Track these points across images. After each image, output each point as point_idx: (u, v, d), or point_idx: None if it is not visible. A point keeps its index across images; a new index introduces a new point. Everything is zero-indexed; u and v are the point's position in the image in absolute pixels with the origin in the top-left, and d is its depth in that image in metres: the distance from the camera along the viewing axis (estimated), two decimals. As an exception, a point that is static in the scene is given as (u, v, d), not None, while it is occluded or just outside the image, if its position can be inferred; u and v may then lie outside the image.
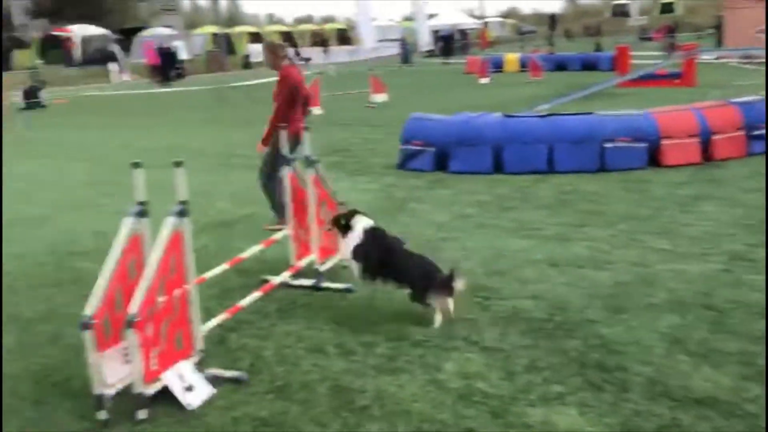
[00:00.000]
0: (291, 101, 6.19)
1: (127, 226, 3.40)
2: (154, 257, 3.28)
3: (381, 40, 48.50)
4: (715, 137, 8.37)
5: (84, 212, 7.39)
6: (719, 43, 27.18)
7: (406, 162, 8.90)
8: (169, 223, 3.38)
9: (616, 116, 8.55)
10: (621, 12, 68.19)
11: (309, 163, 4.73)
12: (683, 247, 5.27)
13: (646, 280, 4.62)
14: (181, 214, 3.46)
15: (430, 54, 42.18)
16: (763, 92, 9.30)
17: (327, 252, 5.03)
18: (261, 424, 3.15)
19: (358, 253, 4.38)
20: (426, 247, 4.90)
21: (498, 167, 8.37)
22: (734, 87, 10.18)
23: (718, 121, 8.47)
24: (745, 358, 3.46)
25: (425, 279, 4.15)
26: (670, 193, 6.96)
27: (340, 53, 45.27)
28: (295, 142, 5.85)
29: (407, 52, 35.95)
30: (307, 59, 39.41)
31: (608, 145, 8.17)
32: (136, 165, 3.47)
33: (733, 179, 7.40)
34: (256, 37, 45.99)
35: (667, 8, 65.75)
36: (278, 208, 6.12)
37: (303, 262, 4.84)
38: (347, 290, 4.71)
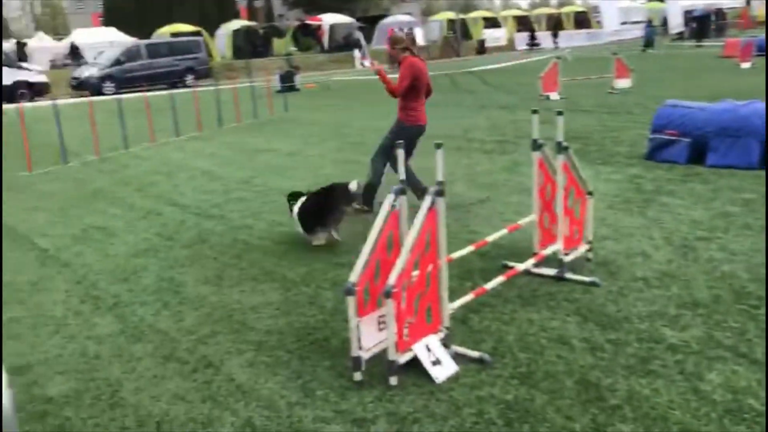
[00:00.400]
0: (412, 91, 6.33)
1: (389, 202, 3.57)
2: (412, 233, 3.42)
3: (623, 23, 45.72)
4: None
5: (334, 187, 7.98)
6: None
7: (655, 152, 8.28)
8: (427, 201, 3.50)
9: None
10: None
11: (560, 148, 4.59)
12: None
13: None
14: (439, 193, 3.55)
15: (680, 37, 38.74)
16: None
17: (572, 242, 4.87)
18: (506, 408, 3.16)
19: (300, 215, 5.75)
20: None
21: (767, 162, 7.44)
22: None
23: None
24: None
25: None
26: None
27: (577, 37, 43.63)
28: (418, 132, 6.40)
29: (651, 34, 33.36)
30: (536, 44, 38.58)
31: None
32: (438, 145, 3.60)
33: None
34: (491, 22, 46.01)
35: None
36: (365, 194, 6.42)
37: (546, 251, 4.74)
38: (592, 284, 4.52)
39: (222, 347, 3.97)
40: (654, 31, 33.82)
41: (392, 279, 3.32)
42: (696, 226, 5.63)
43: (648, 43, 32.64)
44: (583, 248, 4.98)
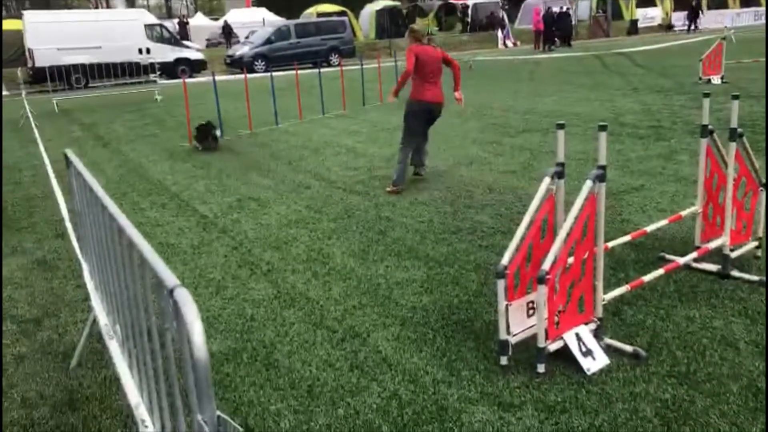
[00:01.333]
0: (417, 72, 7.08)
1: (545, 184, 3.47)
2: (570, 218, 3.31)
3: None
4: None
5: (476, 168, 7.91)
6: None
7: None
8: (587, 187, 3.36)
9: None
10: None
11: (734, 135, 4.24)
12: None
13: None
14: (600, 178, 3.40)
15: None
16: None
17: (739, 237, 4.51)
18: (663, 407, 2.99)
19: None
20: None
21: None
22: None
23: None
24: None
25: None
26: None
27: (745, 15, 40.18)
28: (420, 106, 7.29)
29: None
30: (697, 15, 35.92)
31: None
32: (560, 126, 3.50)
33: None
34: (647, 2, 43.29)
35: None
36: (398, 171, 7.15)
37: (710, 245, 4.42)
38: (761, 283, 4.16)
39: (368, 319, 4.07)
40: None
41: (546, 265, 3.23)
42: None
43: None
44: (751, 244, 4.60)
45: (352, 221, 6.12)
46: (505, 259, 3.35)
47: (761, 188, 4.56)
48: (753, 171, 4.51)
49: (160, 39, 25.52)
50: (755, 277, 4.23)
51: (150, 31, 25.09)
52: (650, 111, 11.22)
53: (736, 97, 4.23)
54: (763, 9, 38.64)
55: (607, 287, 3.90)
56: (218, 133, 10.57)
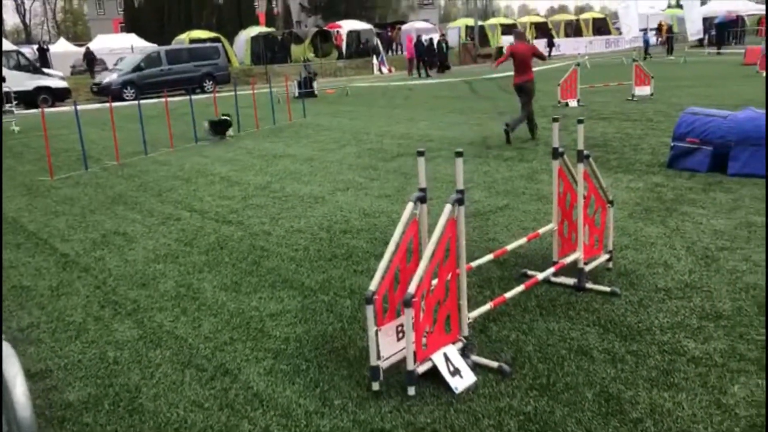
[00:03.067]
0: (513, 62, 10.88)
1: (408, 210, 3.56)
2: (432, 242, 3.40)
3: (643, 29, 45.41)
4: None
5: (353, 194, 7.99)
6: None
7: (676, 160, 8.20)
8: (447, 210, 3.48)
9: None
10: None
11: (581, 156, 4.56)
12: None
13: None
14: (459, 202, 3.54)
15: (699, 43, 38.43)
16: None
17: (592, 251, 4.83)
18: (526, 420, 3.12)
19: None
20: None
21: (789, 171, 7.33)
22: None
23: None
24: None
25: None
26: None
27: (596, 43, 43.44)
28: (517, 86, 11.02)
29: (648, 42, 33.37)
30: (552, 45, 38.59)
31: None
32: (420, 153, 3.61)
33: None
34: (509, 29, 45.89)
35: None
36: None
37: (566, 260, 4.70)
38: (613, 294, 4.48)
39: (240, 354, 3.98)
40: (649, 39, 33.81)
41: (412, 288, 3.30)
42: (718, 236, 5.56)
43: (646, 50, 32.79)
44: (603, 258, 4.94)
45: (224, 253, 5.98)
46: (373, 285, 3.39)
47: (608, 205, 4.92)
48: (600, 189, 4.86)
49: (17, 67, 23.97)
50: (607, 288, 4.54)
51: (6, 59, 23.48)
52: (515, 134, 11.84)
53: (581, 122, 4.56)
54: (612, 37, 41.98)
55: (475, 305, 4.04)
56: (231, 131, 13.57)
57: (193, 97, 15.31)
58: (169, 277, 5.41)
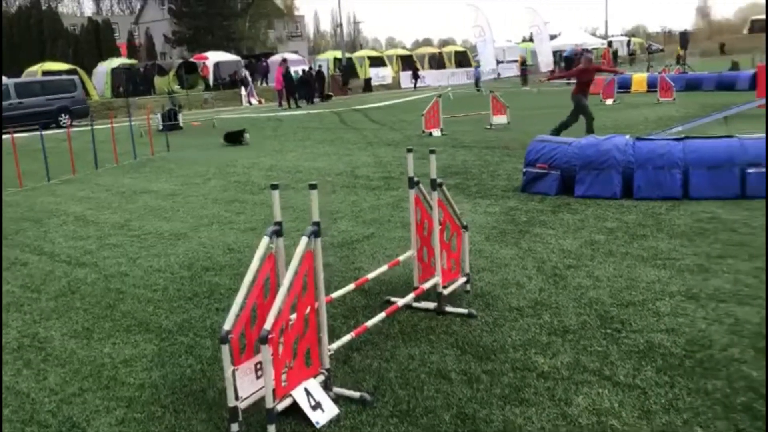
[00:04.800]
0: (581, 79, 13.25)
1: (263, 245, 3.52)
2: (288, 275, 3.38)
3: (500, 62, 48.25)
4: None
5: (217, 229, 7.80)
6: None
7: (529, 185, 8.73)
8: (303, 243, 3.48)
9: (759, 139, 7.94)
10: (760, 27, 63.85)
11: (434, 185, 4.73)
12: (843, 284, 4.78)
13: (800, 319, 4.23)
14: (315, 234, 3.55)
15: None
16: None
17: (450, 275, 5.00)
18: (386, 447, 3.15)
19: None
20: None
21: (627, 193, 8.01)
22: None
23: None
24: None
25: None
26: (824, 224, 6.36)
27: (458, 75, 45.46)
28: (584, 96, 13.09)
29: (479, 75, 35.84)
30: (417, 77, 40.13)
31: (752, 170, 7.60)
32: (274, 187, 3.60)
33: None
34: (377, 61, 47.13)
35: (814, 22, 60.91)
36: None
37: (426, 285, 4.83)
38: (470, 315, 4.65)
39: (89, 406, 3.73)
40: (480, 72, 36.25)
41: (268, 324, 3.26)
42: (566, 255, 5.94)
43: (477, 83, 35.18)
44: (461, 281, 5.13)
45: (75, 297, 5.61)
46: (227, 324, 3.30)
47: (463, 230, 5.13)
48: (455, 215, 5.06)
49: None
50: (464, 310, 4.71)
51: None
52: (382, 163, 12.13)
53: (432, 152, 4.74)
54: (472, 69, 44.01)
55: (338, 336, 4.05)
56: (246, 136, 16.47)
57: (47, 132, 14.40)
58: (12, 328, 4.99)
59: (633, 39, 69.22)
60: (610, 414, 3.28)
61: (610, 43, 54.80)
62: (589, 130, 12.45)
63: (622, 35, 72.55)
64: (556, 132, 12.48)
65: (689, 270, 5.33)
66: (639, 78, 26.23)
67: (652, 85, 24.06)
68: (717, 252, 5.74)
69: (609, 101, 21.38)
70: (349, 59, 44.57)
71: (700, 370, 3.66)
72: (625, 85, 25.37)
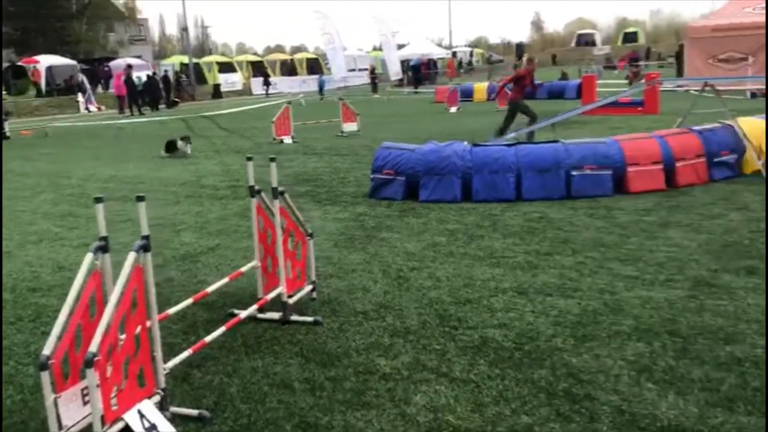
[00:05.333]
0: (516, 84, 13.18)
1: (87, 261, 3.31)
2: (115, 293, 3.20)
3: (351, 69, 49.03)
4: (678, 164, 8.55)
5: (46, 246, 7.23)
6: (680, 71, 27.97)
7: (376, 191, 8.92)
8: (131, 258, 3.31)
9: (582, 144, 8.68)
10: (585, 41, 70.01)
11: (275, 193, 4.69)
12: (649, 274, 5.32)
13: (613, 307, 4.66)
14: (144, 248, 3.39)
15: (400, 83, 42.63)
16: (723, 120, 9.53)
17: (295, 284, 4.98)
18: (225, 464, 3.07)
19: None
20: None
21: (467, 196, 8.42)
22: (694, 115, 10.42)
23: (680, 148, 8.66)
24: (710, 385, 3.49)
25: None
26: (636, 220, 7.05)
27: (310, 82, 45.54)
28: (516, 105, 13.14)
29: (323, 84, 36.77)
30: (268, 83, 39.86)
31: (575, 173, 8.28)
32: (98, 200, 3.40)
33: (695, 206, 7.54)
34: (226, 67, 46.09)
35: (629, 37, 67.67)
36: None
37: (270, 295, 4.78)
38: (315, 323, 4.65)
39: None
40: (324, 80, 37.17)
41: (93, 345, 3.05)
42: (409, 258, 6.13)
43: (321, 90, 35.98)
44: (307, 289, 5.12)
45: None
46: (47, 348, 3.06)
47: (308, 238, 5.14)
48: (299, 223, 5.05)
49: None
50: (310, 318, 4.71)
51: None
52: (230, 171, 11.86)
53: (272, 160, 4.69)
54: (325, 77, 44.37)
55: (177, 353, 3.89)
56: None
57: None
58: None
59: (475, 50, 73.12)
60: (446, 410, 3.41)
61: (454, 54, 57.47)
62: (532, 122, 12.64)
63: (465, 46, 76.37)
64: (500, 134, 12.56)
65: (520, 267, 5.69)
66: (480, 87, 27.71)
67: (492, 94, 25.50)
68: (545, 249, 6.18)
69: (453, 109, 22.40)
70: (197, 64, 43.23)
71: (528, 360, 3.91)
72: (467, 94, 26.70)
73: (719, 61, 24.98)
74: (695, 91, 11.41)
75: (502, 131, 12.78)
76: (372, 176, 9.04)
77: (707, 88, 10.48)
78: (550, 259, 5.88)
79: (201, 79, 42.55)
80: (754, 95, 20.30)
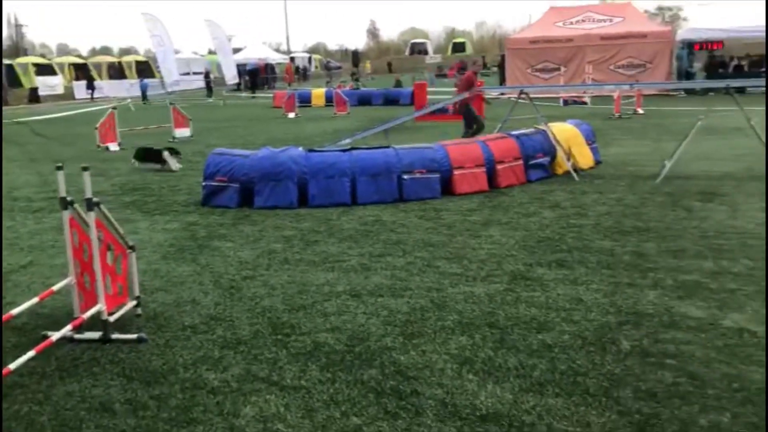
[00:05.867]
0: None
1: None
2: None
3: (185, 73, 47.32)
4: (499, 167, 9.14)
5: None
6: (503, 80, 29.98)
7: (209, 199, 8.65)
8: None
9: (411, 149, 9.00)
10: (418, 50, 73.01)
11: (90, 205, 4.39)
12: (472, 270, 5.64)
13: (439, 304, 4.87)
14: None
15: (238, 88, 41.81)
16: (537, 125, 10.35)
17: (117, 300, 4.69)
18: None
19: None
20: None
21: (303, 201, 8.43)
22: (514, 120, 11.23)
23: (500, 152, 9.27)
24: (523, 371, 3.76)
25: None
26: (461, 220, 7.44)
27: (137, 85, 43.38)
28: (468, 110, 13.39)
29: (145, 87, 35.62)
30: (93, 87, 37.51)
31: (406, 177, 8.58)
32: None
33: (514, 205, 8.11)
34: (45, 69, 42.53)
35: (458, 47, 71.56)
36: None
37: (88, 313, 4.45)
38: (139, 340, 4.41)
39: None
40: (146, 84, 36.07)
41: None
42: (243, 266, 6.01)
43: (144, 95, 34.85)
44: (130, 305, 4.84)
45: None
46: None
47: (129, 251, 4.86)
48: (118, 236, 4.76)
49: None
50: (134, 336, 4.45)
51: None
52: (47, 182, 10.95)
53: (86, 169, 4.39)
54: (148, 81, 42.42)
55: (-23, 385, 3.51)
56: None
57: None
58: None
59: (314, 56, 73.51)
60: (276, 418, 3.38)
61: (292, 59, 57.39)
62: (477, 131, 12.82)
63: (304, 52, 76.53)
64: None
65: (354, 270, 5.78)
66: (318, 93, 27.90)
67: (329, 100, 25.79)
68: (378, 251, 6.33)
69: (291, 114, 22.34)
70: (9, 66, 39.49)
71: (358, 362, 3.98)
72: (305, 100, 26.77)
73: (536, 70, 27.16)
74: (513, 98, 12.30)
75: (474, 133, 12.88)
76: (204, 183, 8.76)
77: (523, 96, 11.31)
78: (383, 260, 6.04)
79: (16, 82, 38.88)
80: (566, 102, 22.26)
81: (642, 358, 3.88)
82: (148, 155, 12.10)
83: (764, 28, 22.44)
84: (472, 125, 13.32)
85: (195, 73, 48.38)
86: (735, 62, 27.25)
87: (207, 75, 38.98)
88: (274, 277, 5.67)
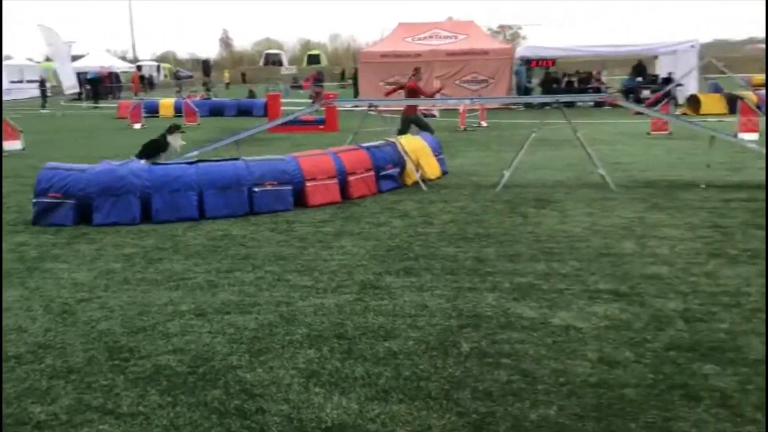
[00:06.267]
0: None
1: None
2: None
3: (18, 81, 43.74)
4: (351, 178, 9.26)
5: None
6: (357, 92, 30.49)
7: (41, 217, 8.00)
8: None
9: (262, 161, 8.89)
10: (273, 61, 72.54)
11: None
12: (323, 282, 5.65)
13: (289, 318, 4.83)
14: None
15: (78, 97, 39.19)
16: (387, 138, 10.61)
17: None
18: None
19: None
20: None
21: (147, 217, 8.03)
22: (366, 132, 11.43)
23: (352, 163, 9.39)
24: (369, 380, 3.81)
25: None
26: (314, 232, 7.45)
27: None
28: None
29: (46, 94, 33.08)
30: None
31: (257, 189, 8.44)
32: None
33: (366, 215, 8.25)
34: None
35: (313, 59, 71.94)
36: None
37: None
38: (-47, 376, 3.98)
39: None
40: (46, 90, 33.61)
41: None
42: (78, 289, 5.61)
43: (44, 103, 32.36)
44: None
45: None
46: None
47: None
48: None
49: None
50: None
51: None
52: None
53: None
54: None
55: None
56: None
57: None
58: None
59: (163, 64, 70.68)
60: (109, 450, 3.18)
61: (139, 68, 54.84)
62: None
63: (152, 60, 73.36)
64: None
65: (200, 287, 5.59)
66: (166, 103, 26.82)
67: (179, 110, 24.87)
68: (226, 267, 6.17)
69: (137, 125, 21.28)
70: None
71: (202, 383, 3.84)
72: (153, 110, 25.63)
73: (387, 84, 27.87)
74: (364, 110, 12.55)
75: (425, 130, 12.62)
76: (35, 200, 8.10)
77: (372, 109, 11.56)
78: (231, 276, 5.89)
79: None
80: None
81: (480, 359, 4.08)
82: (150, 150, 10.73)
83: (592, 49, 24.58)
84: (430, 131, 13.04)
85: (29, 81, 44.83)
86: (567, 79, 29.60)
87: (42, 83, 36.22)
88: (113, 299, 5.35)
